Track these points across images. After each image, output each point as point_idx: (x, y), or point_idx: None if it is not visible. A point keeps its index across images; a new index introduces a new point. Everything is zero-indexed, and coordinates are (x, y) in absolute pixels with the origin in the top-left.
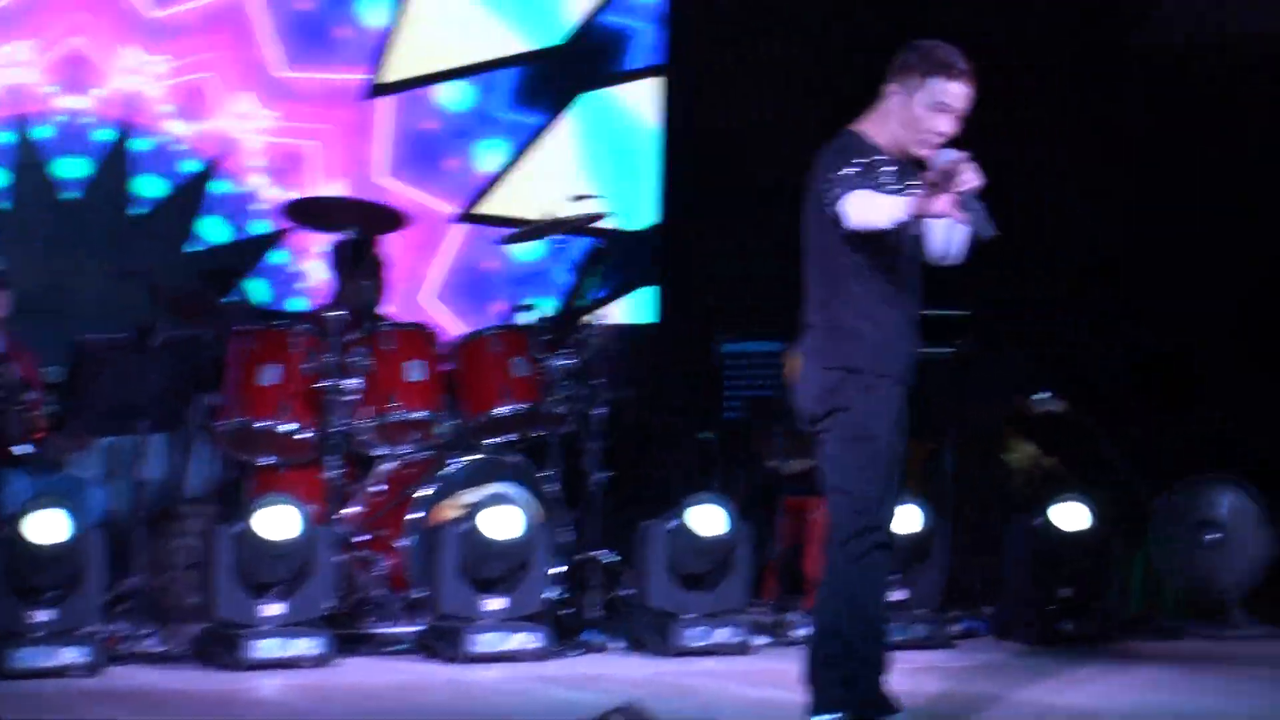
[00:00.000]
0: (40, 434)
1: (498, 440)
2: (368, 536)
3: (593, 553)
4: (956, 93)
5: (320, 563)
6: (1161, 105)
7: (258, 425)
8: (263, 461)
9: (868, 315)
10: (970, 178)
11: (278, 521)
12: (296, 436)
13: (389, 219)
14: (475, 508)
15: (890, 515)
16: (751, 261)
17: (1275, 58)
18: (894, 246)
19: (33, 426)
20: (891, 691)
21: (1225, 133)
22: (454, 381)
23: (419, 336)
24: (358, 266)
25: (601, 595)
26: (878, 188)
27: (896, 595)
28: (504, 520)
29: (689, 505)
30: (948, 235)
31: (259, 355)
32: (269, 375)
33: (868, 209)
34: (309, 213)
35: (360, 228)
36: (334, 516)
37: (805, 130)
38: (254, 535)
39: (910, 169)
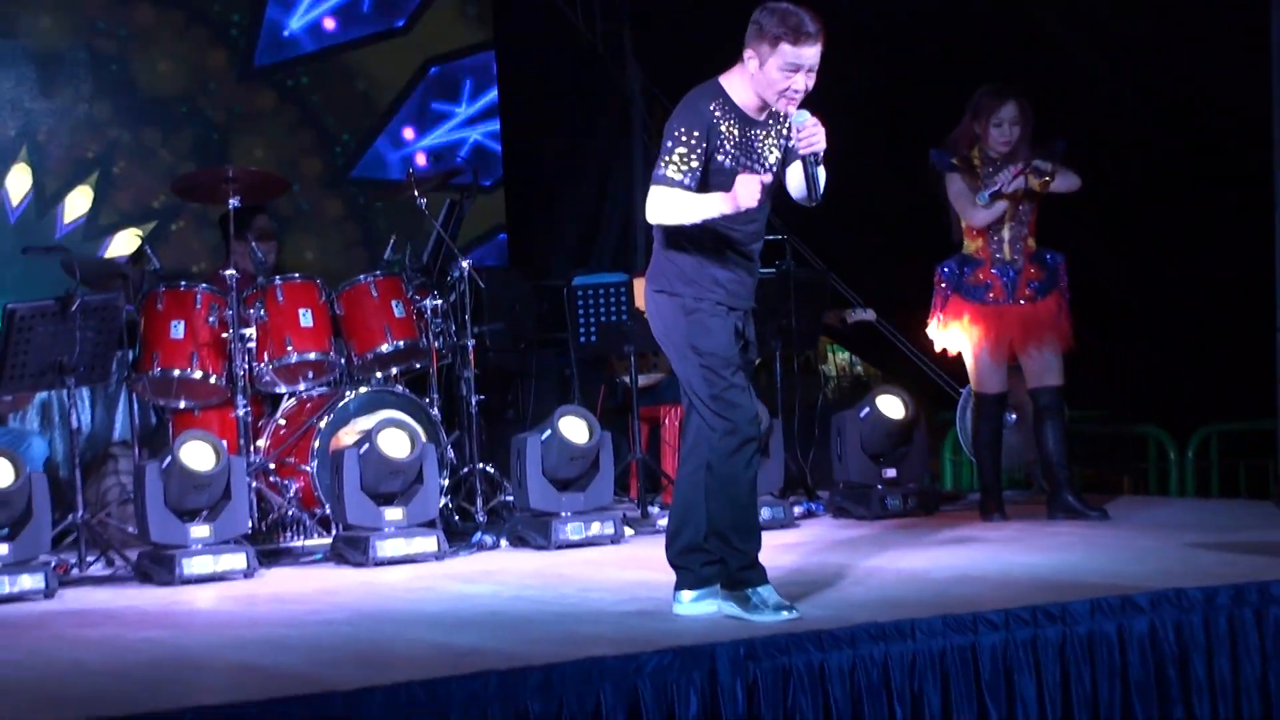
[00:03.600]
0: None
1: (383, 374)
2: (276, 464)
3: (475, 465)
4: (807, 54)
5: (238, 489)
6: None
7: (172, 374)
8: (179, 405)
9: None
10: (812, 140)
11: (199, 455)
12: (208, 382)
13: (271, 186)
14: (372, 431)
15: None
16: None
17: None
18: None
19: None
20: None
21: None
22: (341, 325)
23: (307, 287)
24: (245, 231)
25: (485, 502)
26: (701, 163)
27: None
28: (398, 440)
29: (558, 418)
30: (800, 183)
31: (168, 313)
32: (178, 330)
33: (668, 211)
34: (195, 187)
35: (242, 196)
36: (247, 449)
37: None
38: (179, 468)
39: (758, 126)
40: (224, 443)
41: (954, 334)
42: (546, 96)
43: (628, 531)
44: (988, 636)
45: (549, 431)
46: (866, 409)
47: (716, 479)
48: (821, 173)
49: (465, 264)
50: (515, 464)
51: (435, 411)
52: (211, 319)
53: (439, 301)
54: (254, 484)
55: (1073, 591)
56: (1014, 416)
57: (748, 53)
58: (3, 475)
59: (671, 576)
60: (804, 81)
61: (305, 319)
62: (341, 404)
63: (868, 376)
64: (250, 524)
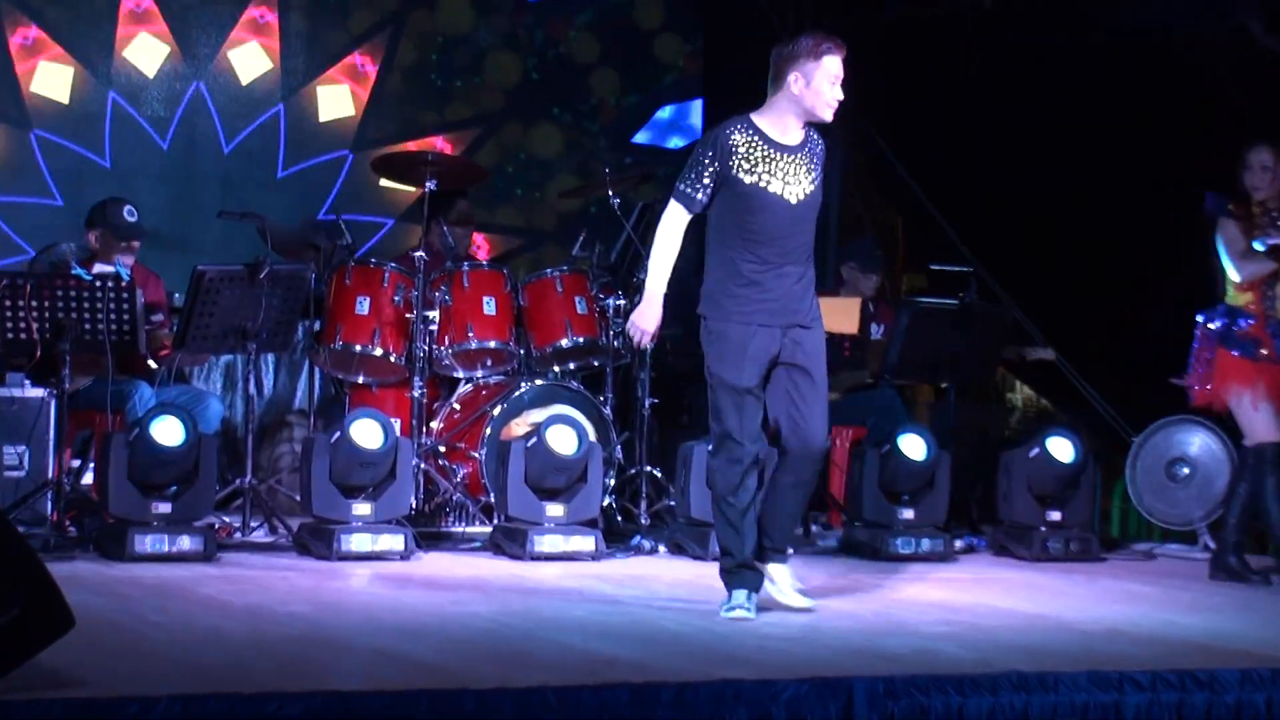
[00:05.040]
0: (165, 351)
1: (560, 368)
2: (447, 448)
3: (642, 468)
4: (841, 64)
5: (404, 469)
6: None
7: (354, 349)
8: (358, 380)
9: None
10: None
11: (368, 432)
12: (388, 360)
13: (468, 173)
14: (541, 426)
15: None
16: None
17: None
18: (760, 214)
19: (159, 344)
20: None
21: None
22: (524, 316)
23: (494, 276)
24: (442, 215)
25: (649, 505)
26: (713, 181)
27: (906, 514)
28: (565, 437)
29: None
30: None
31: (355, 288)
32: (363, 306)
33: (660, 232)
34: (394, 166)
35: (440, 180)
36: (419, 430)
37: None
38: (347, 444)
39: (789, 151)
40: (395, 423)
41: (1220, 388)
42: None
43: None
44: (1133, 696)
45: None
46: (1036, 449)
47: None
48: None
49: None
50: (681, 470)
51: (608, 410)
52: (397, 298)
53: (623, 301)
54: (423, 465)
55: (1224, 658)
56: (1185, 471)
57: (791, 77)
58: (171, 434)
59: (826, 599)
60: (839, 91)
61: (489, 307)
62: (516, 394)
63: (1054, 410)
64: (414, 505)
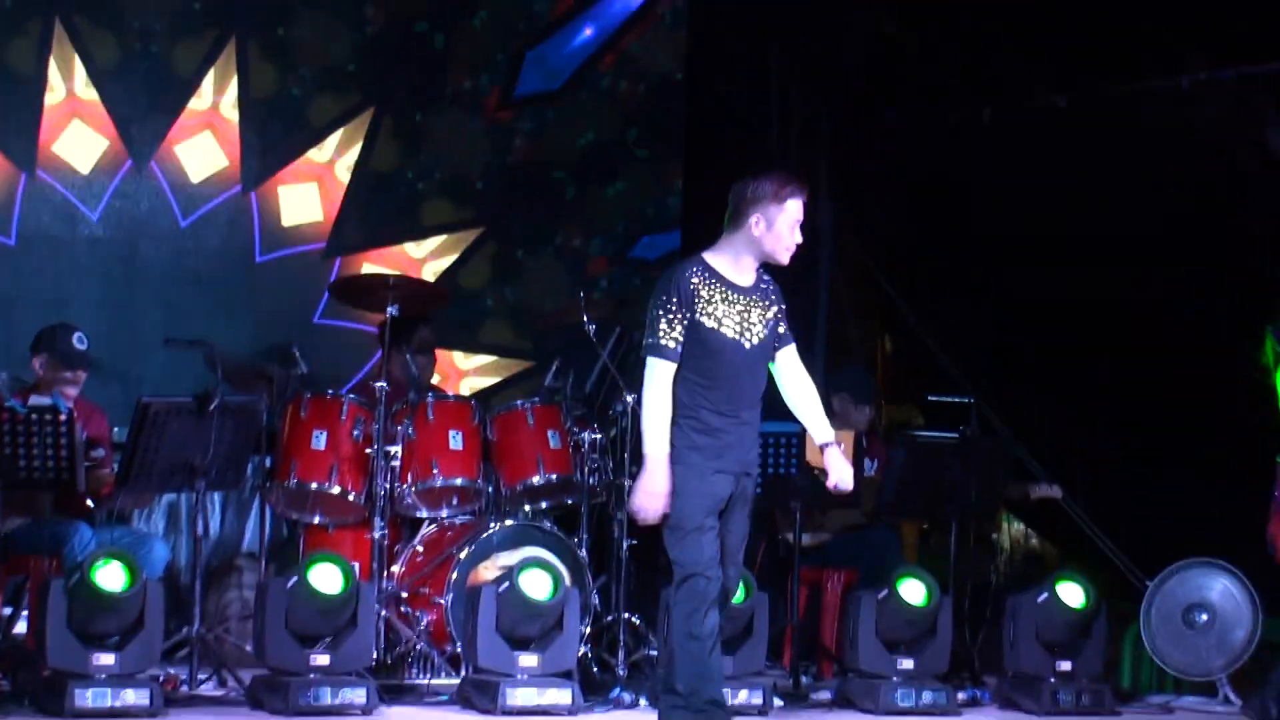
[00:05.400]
0: (107, 490)
1: (532, 507)
2: (410, 594)
3: (620, 615)
4: (802, 206)
5: (365, 617)
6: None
7: (309, 487)
8: (313, 520)
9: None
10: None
11: (327, 577)
12: (346, 499)
13: (430, 297)
14: (513, 569)
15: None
16: None
17: None
18: (718, 360)
19: (100, 483)
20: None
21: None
22: (492, 451)
23: (460, 408)
24: (403, 343)
25: (628, 655)
26: (684, 330)
27: (905, 664)
28: (539, 582)
29: None
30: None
31: (310, 421)
32: (320, 440)
33: (647, 396)
34: (354, 290)
35: (402, 306)
36: (379, 574)
37: None
38: (305, 589)
39: (744, 293)
40: (356, 566)
41: None
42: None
43: (777, 703)
44: None
45: None
46: (1044, 594)
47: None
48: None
49: (630, 398)
50: (662, 618)
51: (584, 552)
52: (356, 432)
53: (598, 436)
54: (384, 613)
55: None
56: (1204, 618)
57: (753, 219)
58: (115, 580)
59: None
60: (799, 235)
61: (455, 441)
62: (485, 535)
63: (1044, 552)
64: (376, 654)
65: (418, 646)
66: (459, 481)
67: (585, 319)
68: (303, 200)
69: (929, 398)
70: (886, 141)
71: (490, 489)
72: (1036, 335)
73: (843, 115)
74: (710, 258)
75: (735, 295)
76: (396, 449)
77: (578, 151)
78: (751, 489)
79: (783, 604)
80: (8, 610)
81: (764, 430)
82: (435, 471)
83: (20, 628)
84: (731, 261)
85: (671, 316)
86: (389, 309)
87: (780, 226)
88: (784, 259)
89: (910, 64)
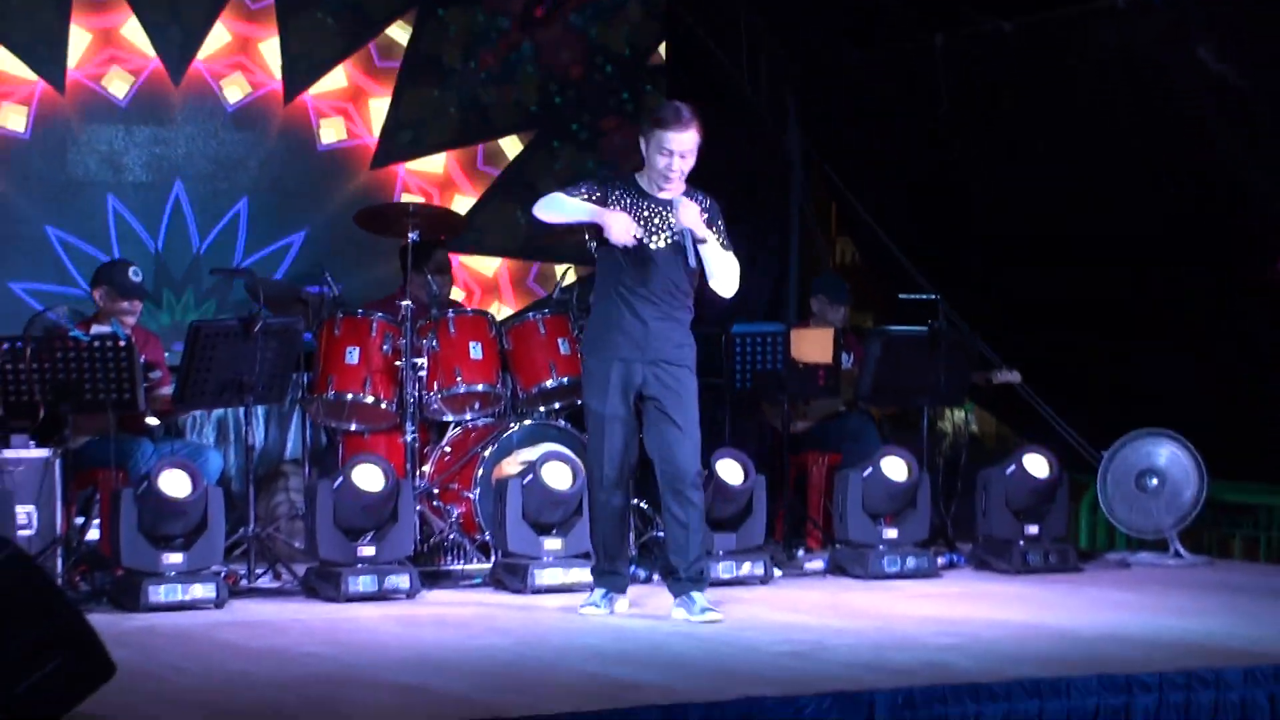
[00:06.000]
0: (164, 407)
1: (546, 408)
2: (440, 490)
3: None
4: (676, 139)
5: (405, 511)
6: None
7: (346, 397)
8: (350, 428)
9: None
10: (683, 216)
11: (370, 477)
12: (379, 407)
13: (446, 222)
14: (535, 463)
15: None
16: None
17: None
18: (624, 259)
19: (158, 401)
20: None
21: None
22: (509, 359)
23: (478, 321)
24: (424, 264)
25: (637, 537)
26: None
27: (889, 534)
28: (561, 473)
29: (713, 460)
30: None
31: (344, 339)
32: (353, 355)
33: (547, 206)
34: (377, 219)
35: (421, 231)
36: (412, 473)
37: None
38: (350, 488)
39: (656, 203)
40: (393, 466)
41: None
42: (706, 154)
43: (776, 573)
44: (1141, 698)
45: (704, 473)
46: (1012, 466)
47: None
48: (709, 251)
49: None
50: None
51: None
52: (385, 347)
53: None
54: (418, 507)
55: (1224, 657)
56: (1155, 481)
57: (641, 143)
58: (180, 486)
59: (820, 619)
60: (679, 165)
61: (475, 352)
62: (506, 434)
63: (981, 436)
64: (413, 546)
65: (450, 537)
66: (480, 387)
67: (586, 237)
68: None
69: (899, 296)
70: (851, 75)
71: (508, 393)
72: (993, 234)
73: (809, 51)
74: (637, 174)
75: (647, 202)
76: (422, 360)
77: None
78: (666, 376)
79: (775, 486)
80: (80, 519)
81: (754, 330)
82: (458, 379)
83: (92, 534)
84: (646, 177)
85: (582, 190)
86: (410, 235)
87: (652, 154)
88: (663, 185)
89: None
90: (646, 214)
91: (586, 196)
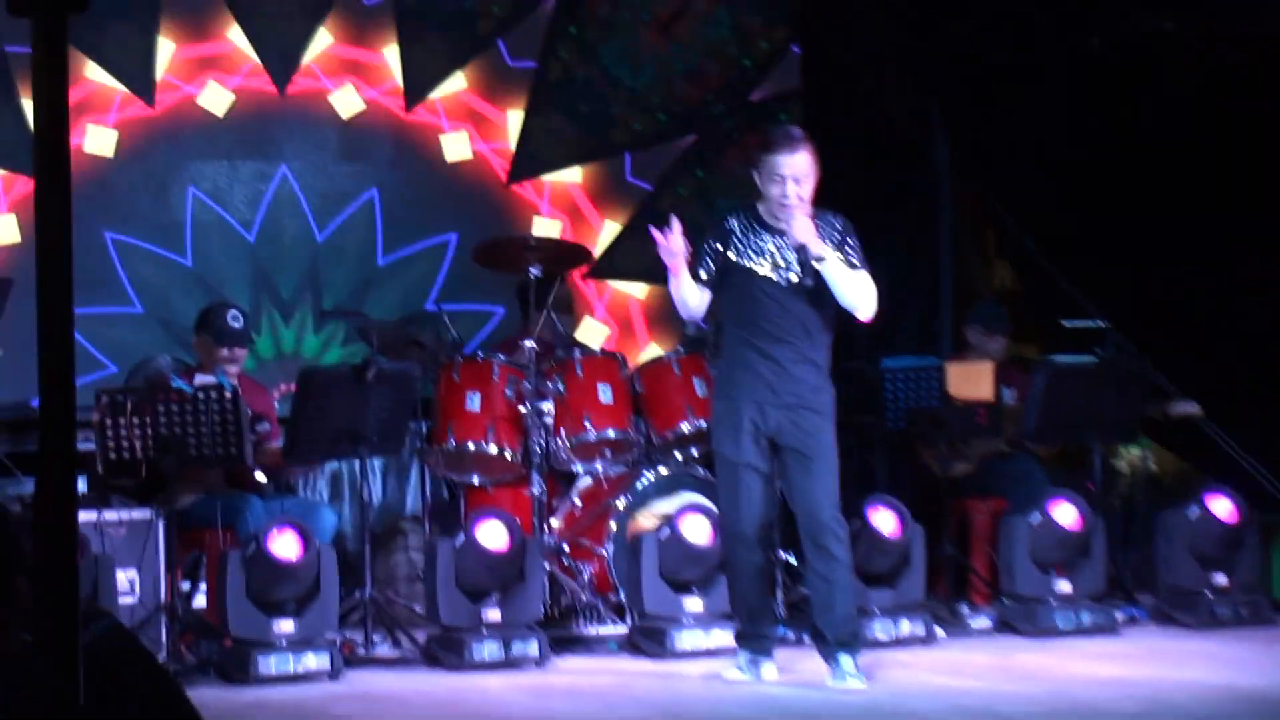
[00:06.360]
0: (273, 461)
1: (683, 454)
2: (570, 546)
3: (777, 553)
4: (786, 163)
5: (532, 571)
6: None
7: (467, 447)
8: (472, 481)
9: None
10: (795, 231)
11: (493, 534)
12: (504, 457)
13: (571, 256)
14: (674, 516)
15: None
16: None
17: None
18: (750, 297)
19: (266, 455)
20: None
21: None
22: (641, 403)
23: (607, 362)
24: (545, 301)
25: (784, 595)
26: (715, 263)
27: (1062, 586)
28: (699, 527)
29: (865, 509)
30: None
31: (464, 384)
32: (474, 402)
33: (682, 307)
34: (495, 254)
35: (543, 266)
36: (541, 529)
37: None
38: (473, 547)
39: (775, 232)
40: (519, 522)
41: None
42: (848, 171)
43: (939, 633)
44: None
45: (856, 523)
46: (1195, 509)
47: None
48: (830, 269)
49: None
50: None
51: None
52: (509, 392)
53: None
54: (546, 566)
55: None
56: None
57: (754, 175)
58: (290, 548)
59: (988, 683)
60: (794, 190)
61: (605, 395)
62: (640, 485)
63: (1161, 474)
64: (542, 608)
65: (583, 598)
66: (611, 434)
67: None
68: None
69: (1063, 323)
70: (999, 83)
71: (641, 440)
72: (1167, 262)
73: (953, 60)
74: (760, 204)
75: (765, 231)
76: (548, 405)
77: None
78: (789, 420)
79: (934, 536)
80: (185, 584)
81: (906, 365)
82: (588, 425)
83: (198, 600)
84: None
85: (701, 252)
86: (531, 270)
87: (765, 184)
88: (780, 214)
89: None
90: (770, 248)
91: (710, 258)
